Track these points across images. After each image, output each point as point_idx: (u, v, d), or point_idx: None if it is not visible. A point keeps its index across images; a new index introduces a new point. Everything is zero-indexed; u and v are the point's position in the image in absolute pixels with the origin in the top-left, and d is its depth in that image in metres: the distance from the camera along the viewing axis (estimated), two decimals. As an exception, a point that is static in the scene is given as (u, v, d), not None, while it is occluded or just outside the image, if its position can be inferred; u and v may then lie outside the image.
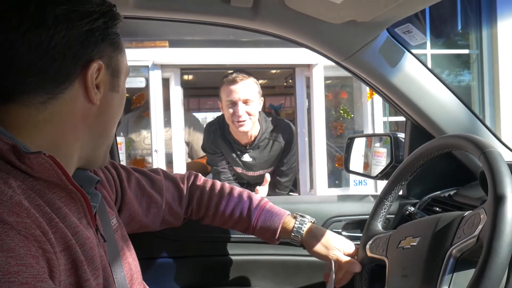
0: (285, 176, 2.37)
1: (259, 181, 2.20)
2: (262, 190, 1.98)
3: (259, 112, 2.22)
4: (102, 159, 0.75)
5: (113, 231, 0.81)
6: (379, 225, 1.08)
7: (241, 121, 2.12)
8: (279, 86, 5.11)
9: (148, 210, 1.04)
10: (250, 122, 2.15)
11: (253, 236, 1.20)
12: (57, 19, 0.61)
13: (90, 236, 0.65)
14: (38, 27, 0.60)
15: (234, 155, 2.30)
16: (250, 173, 2.36)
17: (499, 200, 0.72)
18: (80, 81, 0.64)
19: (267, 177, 1.97)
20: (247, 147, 2.27)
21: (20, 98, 0.61)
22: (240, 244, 1.38)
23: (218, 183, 1.19)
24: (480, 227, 0.74)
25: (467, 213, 0.82)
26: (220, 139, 2.30)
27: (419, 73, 1.23)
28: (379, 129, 3.10)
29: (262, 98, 2.23)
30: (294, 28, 1.14)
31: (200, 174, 1.21)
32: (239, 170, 2.36)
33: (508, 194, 0.72)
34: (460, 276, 0.78)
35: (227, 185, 1.18)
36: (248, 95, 2.11)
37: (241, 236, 1.36)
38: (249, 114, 2.13)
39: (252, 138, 2.25)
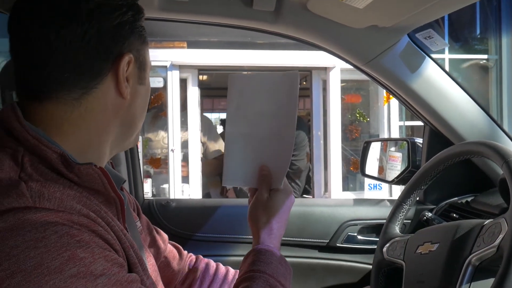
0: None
1: None
2: None
3: None
4: (132, 143, 0.76)
5: (138, 233, 0.81)
6: (397, 228, 1.08)
7: None
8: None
9: (150, 248, 0.97)
10: None
11: None
12: (90, 13, 0.60)
13: (132, 239, 0.65)
14: (72, 22, 0.59)
15: None
16: None
17: (521, 209, 0.71)
18: (112, 75, 0.64)
19: None
20: None
21: (55, 95, 0.61)
22: (251, 245, 1.38)
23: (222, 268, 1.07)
24: (501, 236, 0.74)
25: (487, 221, 0.82)
26: None
27: (439, 79, 1.22)
28: (395, 134, 3.08)
29: None
30: (315, 32, 1.15)
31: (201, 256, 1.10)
32: None
33: (531, 204, 0.72)
34: (478, 285, 0.78)
35: (231, 271, 1.08)
36: None
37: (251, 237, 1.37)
38: None
39: None
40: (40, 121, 0.61)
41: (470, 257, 0.79)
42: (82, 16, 0.60)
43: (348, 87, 3.32)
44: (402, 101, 1.35)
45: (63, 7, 0.60)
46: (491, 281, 0.71)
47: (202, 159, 3.02)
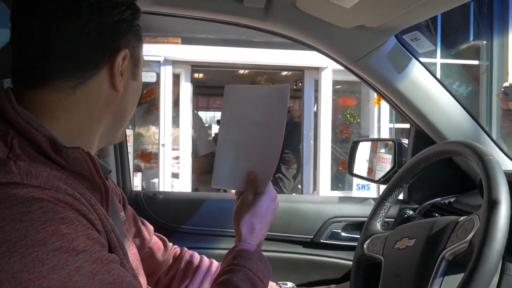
0: None
1: None
2: None
3: None
4: (119, 138, 0.79)
5: (121, 222, 0.83)
6: (378, 225, 1.10)
7: None
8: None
9: (134, 238, 0.98)
10: None
11: None
12: (91, 8, 0.63)
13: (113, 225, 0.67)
14: (73, 16, 0.62)
15: None
16: None
17: (492, 206, 0.74)
18: (108, 68, 0.67)
19: None
20: None
21: (51, 82, 0.64)
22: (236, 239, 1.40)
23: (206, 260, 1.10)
24: (472, 232, 0.76)
25: (462, 218, 0.84)
26: None
27: (424, 80, 1.25)
28: (385, 135, 3.10)
29: None
30: (304, 30, 1.17)
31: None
32: None
33: (502, 201, 0.74)
34: (451, 279, 0.80)
35: (215, 263, 1.10)
36: None
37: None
38: None
39: None
40: (34, 106, 0.63)
41: (444, 252, 0.81)
42: (83, 11, 0.63)
43: (339, 88, 3.34)
44: (388, 101, 1.37)
45: (65, 1, 0.63)
46: (462, 275, 0.73)
47: (192, 156, 3.03)
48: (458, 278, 0.78)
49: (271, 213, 0.91)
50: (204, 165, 3.02)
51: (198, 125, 3.08)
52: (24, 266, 0.49)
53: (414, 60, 1.23)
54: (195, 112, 3.31)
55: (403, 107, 1.32)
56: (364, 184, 3.01)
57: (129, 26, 0.69)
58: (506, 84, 3.03)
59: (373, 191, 3.01)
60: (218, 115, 7.66)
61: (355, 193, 3.03)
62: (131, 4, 0.69)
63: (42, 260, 0.50)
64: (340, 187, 3.24)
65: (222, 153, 0.94)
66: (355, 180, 3.02)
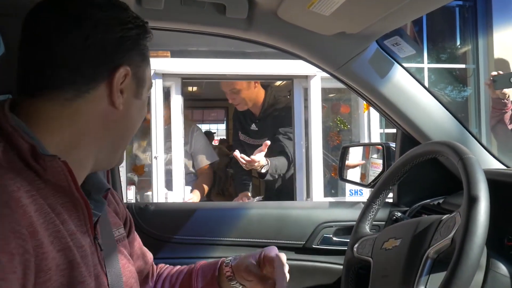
0: None
1: None
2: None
3: None
4: (118, 161, 0.78)
5: (114, 241, 0.81)
6: (367, 227, 1.11)
7: None
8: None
9: (136, 260, 0.98)
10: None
11: (249, 239, 1.23)
12: (96, 22, 0.66)
13: (84, 245, 0.65)
14: (79, 28, 0.65)
15: None
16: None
17: (472, 203, 0.76)
18: (107, 84, 0.68)
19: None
20: None
21: (48, 92, 0.65)
22: (235, 248, 1.41)
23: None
24: (454, 229, 0.78)
25: (445, 216, 0.86)
26: None
27: (407, 84, 1.27)
28: (376, 140, 3.12)
29: None
30: (286, 38, 1.19)
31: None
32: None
33: (481, 198, 0.76)
34: (436, 277, 0.81)
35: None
36: None
37: (236, 239, 1.40)
38: None
39: None
40: (29, 116, 0.65)
41: (429, 250, 0.82)
42: (89, 24, 0.66)
43: (328, 96, 3.37)
44: (373, 106, 1.39)
45: (73, 15, 0.65)
46: (446, 272, 0.74)
47: (194, 173, 2.98)
48: (443, 275, 0.80)
49: None
50: (209, 174, 2.98)
51: (200, 137, 3.07)
52: None
53: (396, 64, 1.26)
54: (197, 125, 3.29)
55: (387, 111, 1.34)
56: (357, 190, 3.02)
57: (133, 44, 0.70)
58: (494, 73, 3.08)
59: (366, 196, 3.01)
60: (213, 127, 7.69)
61: (348, 198, 3.04)
62: (139, 25, 0.71)
63: None
64: (333, 193, 3.24)
65: None
66: (348, 186, 3.02)
